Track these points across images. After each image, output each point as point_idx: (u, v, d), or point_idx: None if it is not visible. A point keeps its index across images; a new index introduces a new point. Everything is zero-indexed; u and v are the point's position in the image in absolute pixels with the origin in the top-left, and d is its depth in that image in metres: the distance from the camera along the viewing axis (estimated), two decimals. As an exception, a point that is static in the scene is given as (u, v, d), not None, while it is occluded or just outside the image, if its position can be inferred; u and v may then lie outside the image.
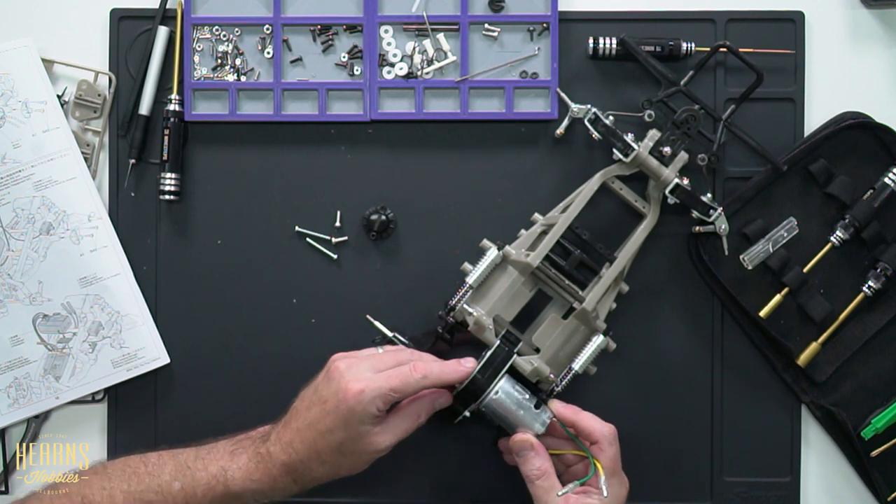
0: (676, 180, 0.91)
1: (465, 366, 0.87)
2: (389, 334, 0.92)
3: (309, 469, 0.84)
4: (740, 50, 0.93)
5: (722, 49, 0.94)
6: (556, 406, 0.88)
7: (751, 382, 0.99)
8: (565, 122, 0.94)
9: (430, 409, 0.88)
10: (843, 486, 1.00)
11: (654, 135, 0.92)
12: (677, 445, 0.99)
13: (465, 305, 0.89)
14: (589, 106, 0.92)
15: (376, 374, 0.83)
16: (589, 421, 0.87)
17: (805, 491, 0.99)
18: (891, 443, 0.97)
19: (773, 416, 0.99)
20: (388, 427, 0.85)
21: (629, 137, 0.91)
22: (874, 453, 0.97)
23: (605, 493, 0.84)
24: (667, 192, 0.91)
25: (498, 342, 0.89)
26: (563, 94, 0.95)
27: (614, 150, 0.91)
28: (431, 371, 0.85)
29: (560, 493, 0.84)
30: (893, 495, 0.98)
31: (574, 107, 0.93)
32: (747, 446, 0.99)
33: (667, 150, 0.91)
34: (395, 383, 0.83)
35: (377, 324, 0.93)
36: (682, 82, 0.94)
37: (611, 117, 0.92)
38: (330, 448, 0.83)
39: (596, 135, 0.91)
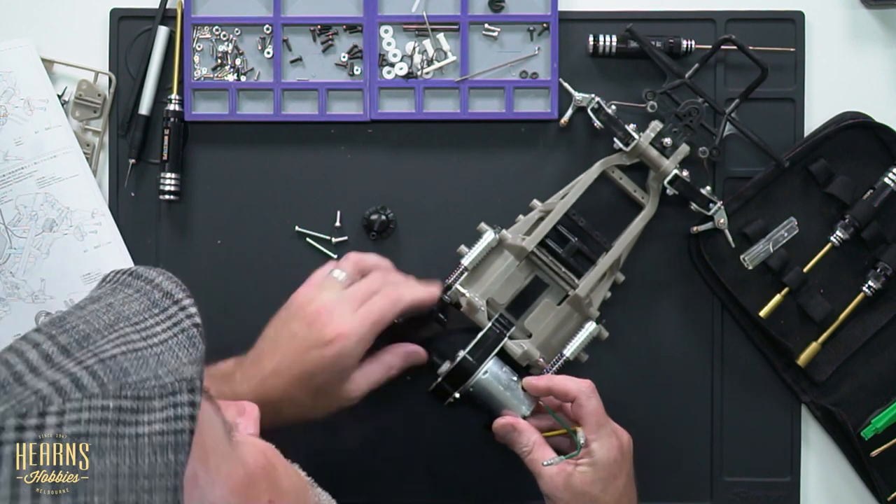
0: (675, 171, 0.91)
1: (432, 289, 0.88)
2: None
3: (278, 410, 0.83)
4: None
5: (724, 47, 0.94)
6: (528, 379, 0.88)
7: (751, 382, 0.99)
8: (569, 112, 0.95)
9: (404, 362, 0.89)
10: (843, 486, 1.00)
11: (655, 125, 0.92)
12: (677, 445, 0.99)
13: (458, 287, 0.90)
14: (592, 95, 0.93)
15: (354, 313, 0.83)
16: (563, 382, 0.86)
17: (805, 491, 0.99)
18: (891, 443, 0.97)
19: (773, 416, 0.99)
20: (361, 374, 0.85)
21: (631, 127, 0.92)
22: (874, 453, 0.97)
23: (581, 442, 0.83)
24: (665, 183, 0.92)
25: (490, 324, 0.90)
26: (566, 84, 0.95)
27: (615, 140, 0.92)
28: (402, 295, 0.86)
29: (545, 463, 0.83)
30: (893, 495, 0.98)
31: (577, 95, 0.93)
32: (747, 446, 0.99)
33: (668, 141, 0.92)
34: (375, 317, 0.83)
35: None
36: (686, 75, 0.94)
37: (613, 106, 0.92)
38: (307, 390, 0.83)
39: (598, 124, 0.92)
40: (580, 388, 0.85)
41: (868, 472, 0.98)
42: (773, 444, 0.99)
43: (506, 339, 0.90)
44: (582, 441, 0.83)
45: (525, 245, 0.91)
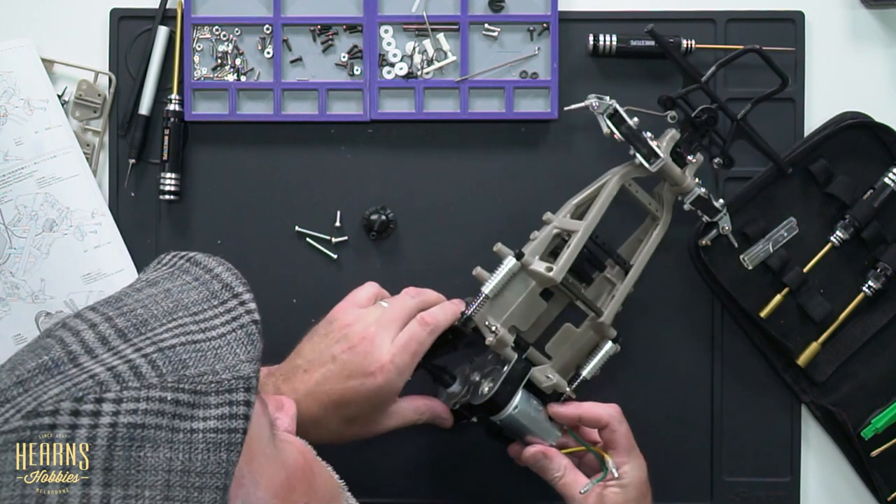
0: (698, 191, 0.89)
1: (460, 307, 0.86)
2: None
3: (305, 432, 0.79)
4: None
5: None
6: (556, 408, 0.87)
7: (751, 382, 0.99)
8: (604, 124, 0.85)
9: (431, 417, 0.87)
10: (843, 486, 1.00)
11: (674, 136, 0.89)
12: (677, 445, 0.99)
13: (487, 323, 0.85)
14: (608, 99, 0.86)
15: (394, 342, 0.81)
16: (592, 409, 0.86)
17: (805, 491, 0.99)
18: (891, 443, 0.97)
19: (773, 416, 0.99)
20: (397, 411, 0.84)
21: (649, 137, 0.86)
22: (874, 453, 0.97)
23: (615, 475, 0.84)
24: (687, 201, 0.89)
25: (516, 356, 0.86)
26: (573, 106, 0.88)
27: (637, 155, 0.86)
28: (438, 322, 0.83)
29: (582, 491, 0.83)
30: (893, 495, 0.98)
31: (593, 98, 0.85)
32: (747, 446, 0.99)
33: (691, 158, 0.89)
34: (414, 347, 0.82)
35: None
36: (703, 79, 0.90)
37: (636, 118, 0.86)
38: (340, 417, 0.81)
39: (618, 136, 0.86)
40: (611, 413, 0.85)
41: (868, 472, 0.98)
42: (773, 444, 0.99)
43: (532, 370, 0.86)
44: (615, 470, 0.84)
45: (553, 276, 0.84)
